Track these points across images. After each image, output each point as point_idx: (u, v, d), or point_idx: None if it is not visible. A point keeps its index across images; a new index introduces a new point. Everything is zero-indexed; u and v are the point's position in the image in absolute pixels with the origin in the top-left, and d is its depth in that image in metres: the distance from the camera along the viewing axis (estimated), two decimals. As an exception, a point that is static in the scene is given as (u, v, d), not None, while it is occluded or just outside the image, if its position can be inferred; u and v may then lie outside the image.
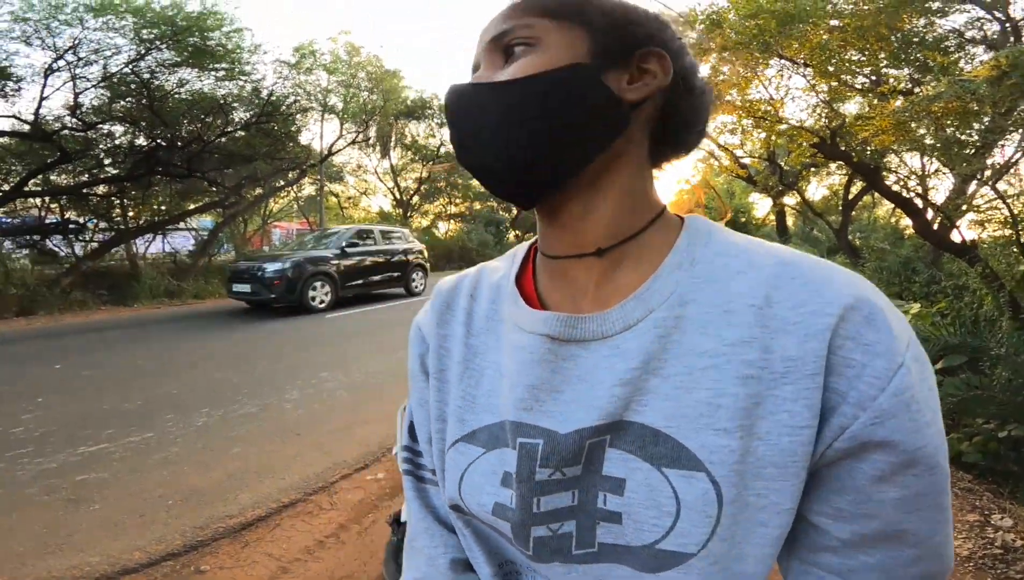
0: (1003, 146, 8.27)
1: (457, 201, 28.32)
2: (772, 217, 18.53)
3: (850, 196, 11.26)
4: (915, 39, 6.59)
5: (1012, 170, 9.41)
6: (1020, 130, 7.63)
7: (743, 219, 24.31)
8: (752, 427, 0.39)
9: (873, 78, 7.13)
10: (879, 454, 0.38)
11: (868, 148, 5.75)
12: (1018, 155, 8.85)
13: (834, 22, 5.70)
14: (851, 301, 0.39)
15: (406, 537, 0.59)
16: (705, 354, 0.41)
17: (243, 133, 12.57)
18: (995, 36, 7.16)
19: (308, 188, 20.62)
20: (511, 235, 30.60)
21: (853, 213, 12.58)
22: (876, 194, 10.75)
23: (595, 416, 0.43)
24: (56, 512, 2.51)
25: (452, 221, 28.32)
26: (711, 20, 6.35)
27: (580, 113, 0.43)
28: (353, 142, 20.00)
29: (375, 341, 6.53)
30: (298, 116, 14.49)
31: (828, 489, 0.41)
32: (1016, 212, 9.69)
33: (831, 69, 6.05)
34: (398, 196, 25.02)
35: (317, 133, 27.29)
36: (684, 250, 0.45)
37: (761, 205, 24.92)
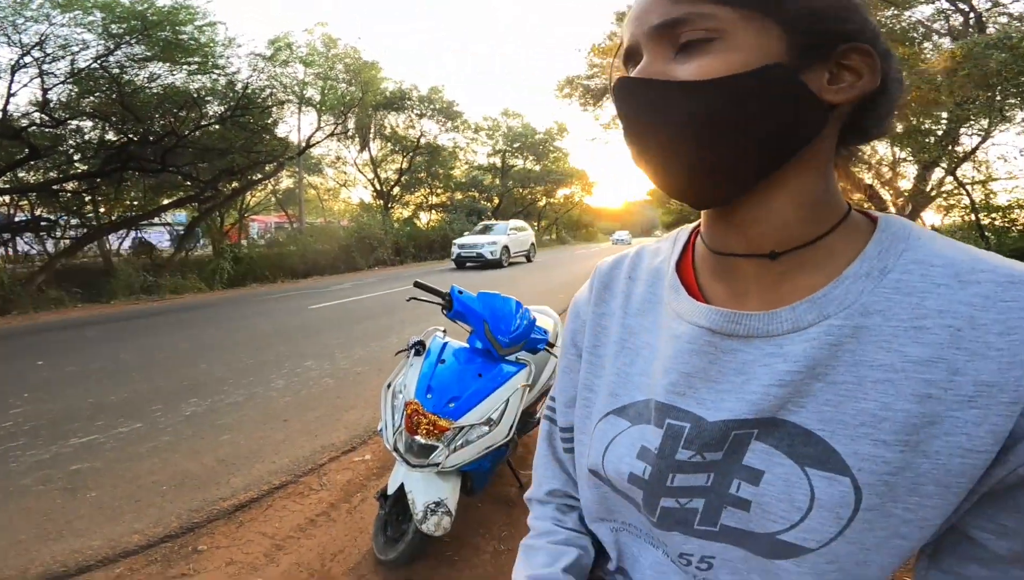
0: (963, 135, 8.61)
1: (438, 191, 28.25)
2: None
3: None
4: (883, 30, 6.83)
5: (973, 158, 9.78)
6: (979, 119, 7.97)
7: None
8: (919, 444, 0.39)
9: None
10: None
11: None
12: (977, 141, 9.22)
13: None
14: None
15: (534, 457, 0.71)
16: (881, 367, 0.40)
17: (218, 127, 12.41)
18: (959, 28, 7.41)
19: (286, 181, 20.40)
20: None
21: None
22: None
23: (746, 410, 0.44)
24: (54, 500, 2.57)
25: (433, 211, 28.29)
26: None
27: (775, 119, 0.40)
28: (332, 134, 19.83)
29: (357, 331, 6.61)
30: (274, 109, 14.33)
31: (999, 508, 0.40)
32: (977, 200, 10.10)
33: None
34: (378, 187, 24.88)
35: (294, 126, 26.93)
36: (874, 258, 0.42)
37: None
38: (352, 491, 2.67)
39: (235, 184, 15.28)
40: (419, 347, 2.19)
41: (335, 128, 19.66)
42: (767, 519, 0.44)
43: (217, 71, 11.30)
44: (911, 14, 7.42)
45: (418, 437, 1.92)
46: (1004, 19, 7.02)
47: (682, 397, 0.47)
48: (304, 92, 16.76)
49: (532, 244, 18.68)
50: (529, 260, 18.07)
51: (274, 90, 14.25)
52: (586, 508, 0.60)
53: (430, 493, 1.89)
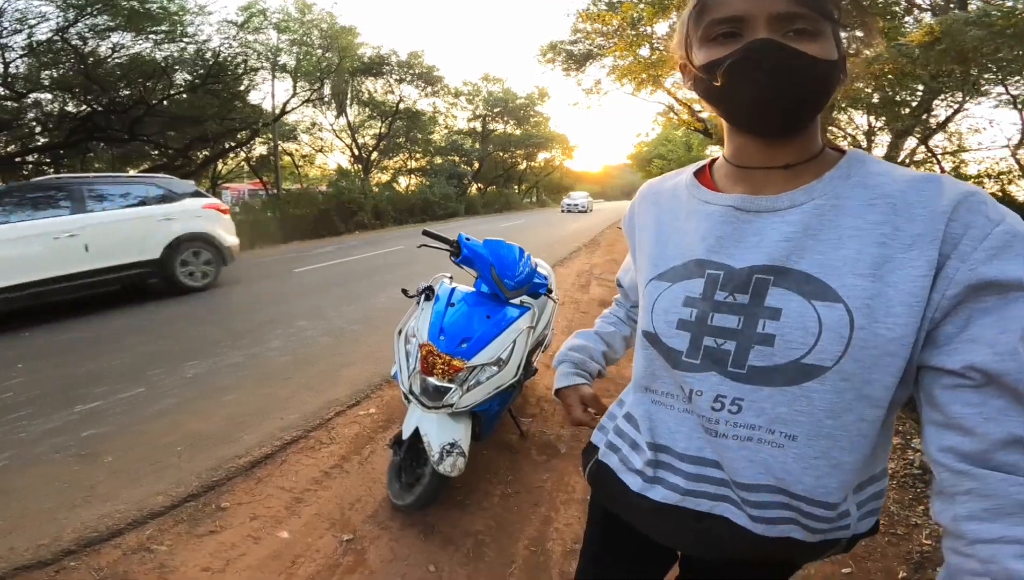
0: (936, 107, 8.83)
1: (417, 156, 27.74)
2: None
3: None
4: (866, 2, 6.87)
5: (945, 129, 10.04)
6: (952, 92, 8.18)
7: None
8: (883, 276, 0.56)
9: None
10: (992, 293, 0.52)
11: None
12: (950, 113, 9.46)
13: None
14: (961, 196, 0.56)
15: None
16: (852, 228, 0.60)
17: (188, 95, 11.95)
18: (942, 3, 7.49)
19: (260, 148, 19.79)
20: (474, 188, 30.38)
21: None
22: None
23: (763, 258, 0.63)
24: (71, 467, 2.58)
25: (413, 176, 27.83)
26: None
27: (832, 87, 0.61)
28: (307, 101, 19.20)
29: (345, 292, 6.68)
30: (247, 76, 13.83)
31: (947, 333, 0.55)
32: (947, 168, 10.41)
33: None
34: (357, 152, 24.31)
35: (268, 92, 25.94)
36: (844, 168, 0.64)
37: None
38: (361, 443, 2.81)
39: (207, 152, 14.82)
40: (428, 292, 2.27)
41: (311, 94, 19.04)
42: (789, 348, 0.60)
43: (186, 39, 10.84)
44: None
45: (433, 379, 2.01)
46: None
47: (716, 253, 0.67)
48: (278, 59, 16.15)
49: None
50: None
51: (247, 57, 13.72)
52: (636, 379, 0.78)
53: (444, 435, 1.99)
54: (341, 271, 8.48)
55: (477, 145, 30.59)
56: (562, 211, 29.61)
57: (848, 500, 0.65)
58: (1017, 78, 7.61)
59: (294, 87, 17.79)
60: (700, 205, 0.71)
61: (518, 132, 31.86)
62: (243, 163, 20.08)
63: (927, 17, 7.30)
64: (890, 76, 5.50)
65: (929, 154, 10.26)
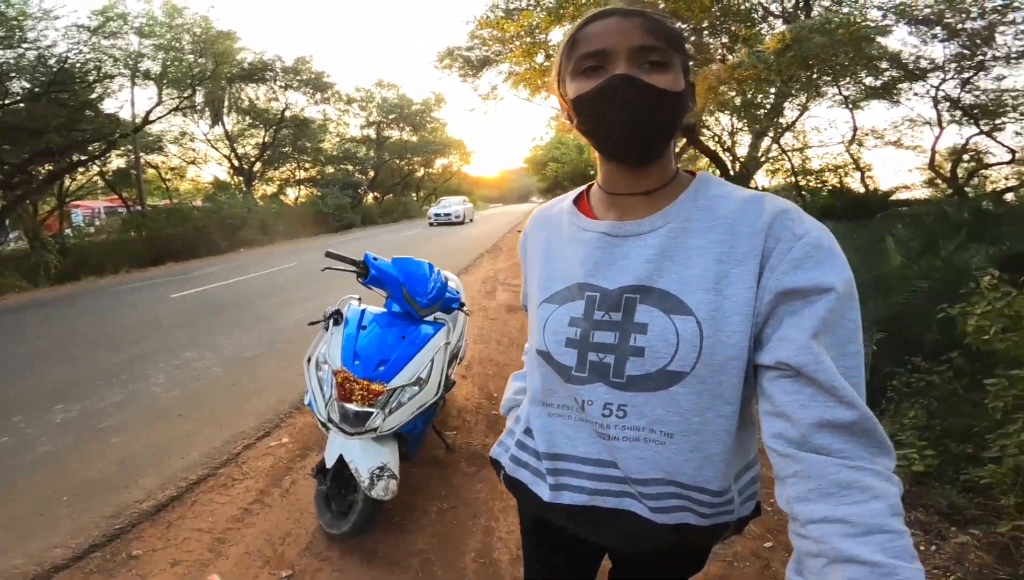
0: (786, 109, 10.03)
1: (307, 165, 26.30)
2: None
3: (677, 149, 12.85)
4: (732, 9, 7.61)
5: (793, 129, 11.44)
6: (802, 95, 9.34)
7: (592, 172, 26.19)
8: (722, 289, 0.64)
9: (692, 49, 8.13)
10: (806, 301, 0.60)
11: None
12: (797, 114, 10.80)
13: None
14: (775, 214, 0.65)
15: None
16: (698, 248, 0.67)
17: (27, 105, 10.35)
18: (791, 10, 8.47)
19: (118, 161, 17.58)
20: (370, 197, 29.42)
21: (680, 165, 14.37)
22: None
23: (630, 279, 0.70)
24: None
25: (302, 186, 26.32)
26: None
27: (681, 115, 0.68)
28: (176, 109, 17.42)
29: (237, 315, 6.17)
30: (99, 84, 12.26)
31: (769, 331, 0.63)
32: (796, 164, 11.84)
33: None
34: (236, 163, 22.48)
35: (127, 100, 23.03)
36: (693, 191, 0.72)
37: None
38: (279, 475, 2.61)
39: (50, 167, 12.91)
40: (336, 317, 2.17)
41: (180, 103, 17.30)
42: (656, 358, 0.67)
43: (26, 44, 9.38)
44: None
45: (352, 405, 1.93)
46: (828, 2, 8.16)
47: (593, 277, 0.73)
48: (139, 65, 14.51)
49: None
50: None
51: (100, 64, 12.15)
52: (533, 395, 0.82)
53: (371, 459, 1.92)
54: (229, 293, 7.81)
55: (372, 153, 29.60)
56: (430, 224, 22.65)
57: (731, 488, 0.74)
58: (847, 80, 8.88)
59: (159, 95, 16.07)
60: (579, 232, 0.77)
61: (415, 139, 31.24)
62: (97, 178, 17.68)
63: (779, 24, 8.23)
64: (750, 81, 6.14)
65: (781, 152, 11.65)
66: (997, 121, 9.04)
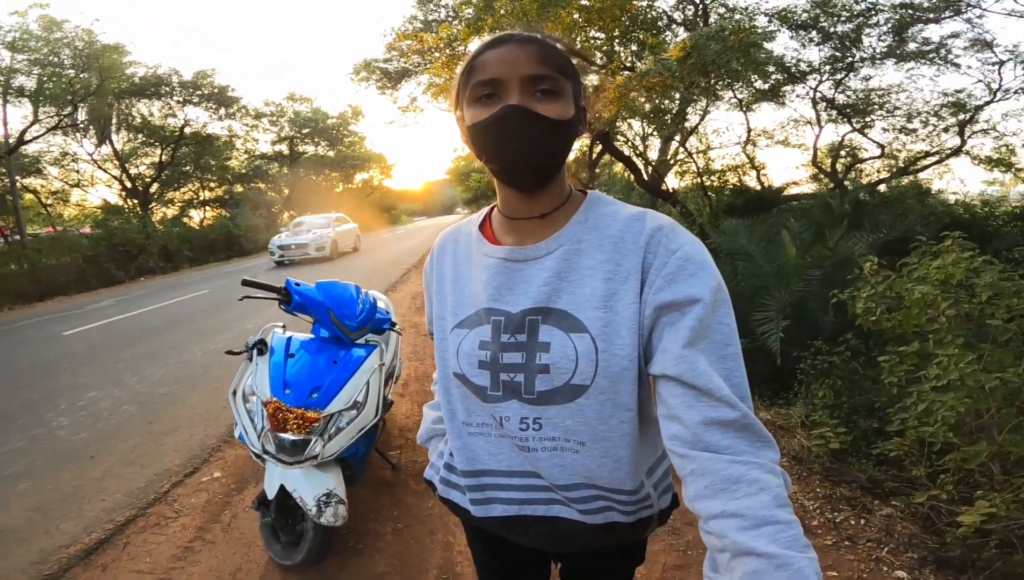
0: (690, 114, 10.74)
1: (212, 185, 24.65)
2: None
3: (594, 156, 13.36)
4: (640, 19, 8.02)
5: (696, 132, 12.23)
6: (700, 100, 10.03)
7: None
8: (611, 307, 0.68)
9: (605, 58, 8.52)
10: (681, 310, 0.64)
11: (601, 116, 6.93)
12: (699, 119, 11.57)
13: (585, 1, 6.62)
14: (652, 231, 0.69)
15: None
16: (589, 268, 0.71)
17: None
18: (691, 18, 9.02)
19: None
20: (286, 216, 28.03)
21: (597, 170, 14.87)
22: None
23: (531, 302, 0.73)
24: None
25: (208, 208, 24.63)
26: (484, 2, 6.84)
27: (571, 141, 0.72)
28: (56, 128, 15.76)
29: (144, 349, 5.71)
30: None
31: (653, 343, 0.67)
32: (700, 165, 12.64)
33: (578, 47, 7.06)
34: (129, 185, 20.64)
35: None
36: (583, 212, 0.76)
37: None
38: (216, 511, 2.45)
39: None
40: (261, 346, 2.09)
41: (59, 120, 15.66)
42: (560, 373, 0.71)
43: None
44: (659, 4, 8.79)
45: (287, 434, 1.87)
46: (723, 10, 8.76)
47: (497, 301, 0.76)
48: (12, 81, 12.99)
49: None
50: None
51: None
52: (453, 416, 0.84)
53: (316, 486, 1.87)
54: (132, 326, 7.19)
55: (286, 169, 28.29)
56: (272, 258, 14.46)
57: (645, 485, 0.79)
58: (740, 84, 9.64)
59: (35, 113, 14.47)
60: (482, 257, 0.80)
61: (331, 153, 30.14)
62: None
63: (682, 32, 8.77)
64: (657, 88, 6.51)
65: (688, 155, 12.46)
66: (867, 118, 10.12)
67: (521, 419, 0.74)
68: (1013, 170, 9.66)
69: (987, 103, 8.98)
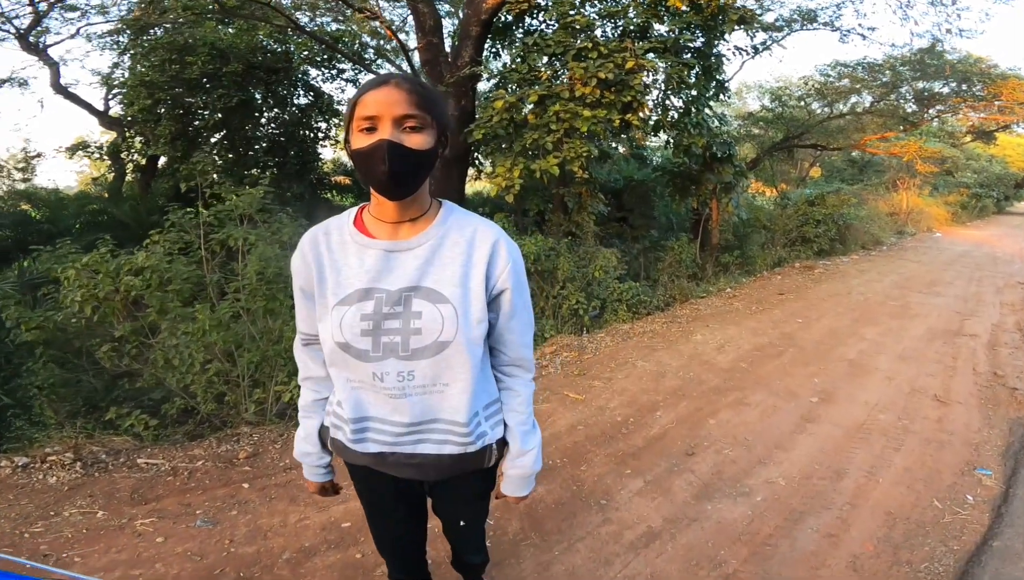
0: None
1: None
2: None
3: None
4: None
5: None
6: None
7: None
8: (466, 284, 1.00)
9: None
10: (506, 294, 1.04)
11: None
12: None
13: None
14: (496, 238, 1.03)
15: (297, 363, 1.19)
16: (449, 257, 1.00)
17: None
18: None
19: None
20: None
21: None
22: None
23: (406, 281, 0.99)
24: None
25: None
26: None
27: (430, 166, 0.96)
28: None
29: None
30: None
31: (493, 310, 1.06)
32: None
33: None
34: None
35: None
36: (443, 216, 1.03)
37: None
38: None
39: None
40: None
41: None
42: (430, 334, 0.98)
43: None
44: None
45: None
46: None
47: (378, 282, 1.00)
48: None
49: None
50: None
51: None
52: (339, 373, 1.05)
53: None
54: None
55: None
56: None
57: (480, 415, 1.09)
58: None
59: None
60: (361, 247, 1.02)
61: None
62: None
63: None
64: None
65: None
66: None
67: (398, 373, 0.99)
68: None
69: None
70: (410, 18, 7.04)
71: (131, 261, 3.02)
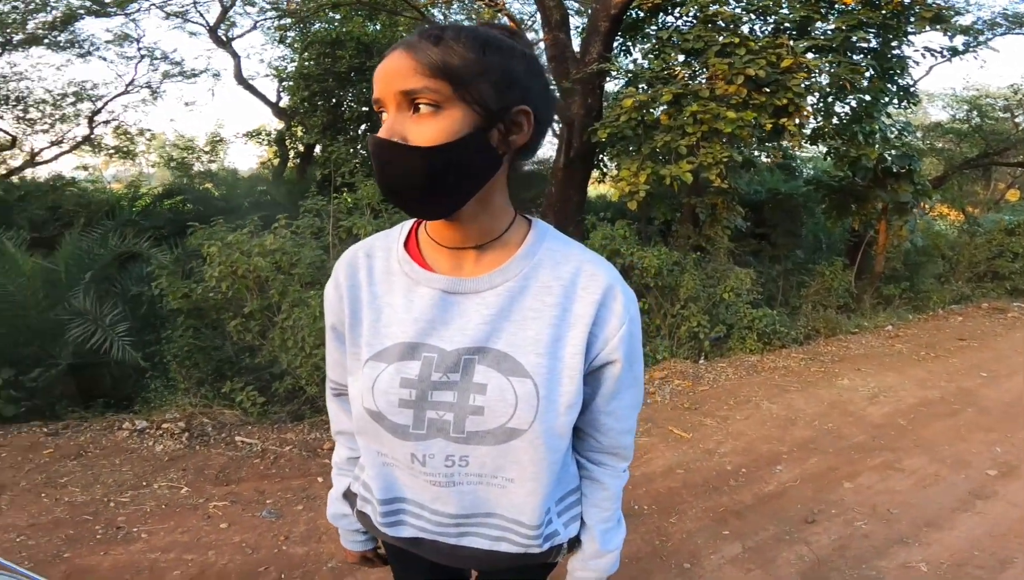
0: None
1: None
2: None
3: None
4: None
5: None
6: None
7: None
8: (555, 353, 0.68)
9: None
10: (613, 367, 0.71)
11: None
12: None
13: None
14: (607, 286, 0.69)
15: (329, 414, 0.93)
16: (533, 310, 0.69)
17: None
18: None
19: None
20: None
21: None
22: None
23: (468, 340, 0.68)
24: None
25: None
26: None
27: (471, 168, 0.61)
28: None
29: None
30: None
31: (590, 384, 0.73)
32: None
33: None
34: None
35: None
36: (530, 246, 0.70)
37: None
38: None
39: None
40: None
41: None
42: (495, 416, 0.68)
43: None
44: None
45: None
46: None
47: (429, 336, 0.70)
48: None
49: None
50: None
51: None
52: (367, 444, 0.78)
53: None
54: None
55: None
56: None
57: (551, 512, 0.79)
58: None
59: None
60: (411, 283, 0.72)
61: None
62: None
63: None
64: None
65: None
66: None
67: (447, 456, 0.71)
68: (131, 157, 10.74)
69: (120, 94, 9.63)
70: (538, 15, 7.00)
71: (261, 243, 3.28)
